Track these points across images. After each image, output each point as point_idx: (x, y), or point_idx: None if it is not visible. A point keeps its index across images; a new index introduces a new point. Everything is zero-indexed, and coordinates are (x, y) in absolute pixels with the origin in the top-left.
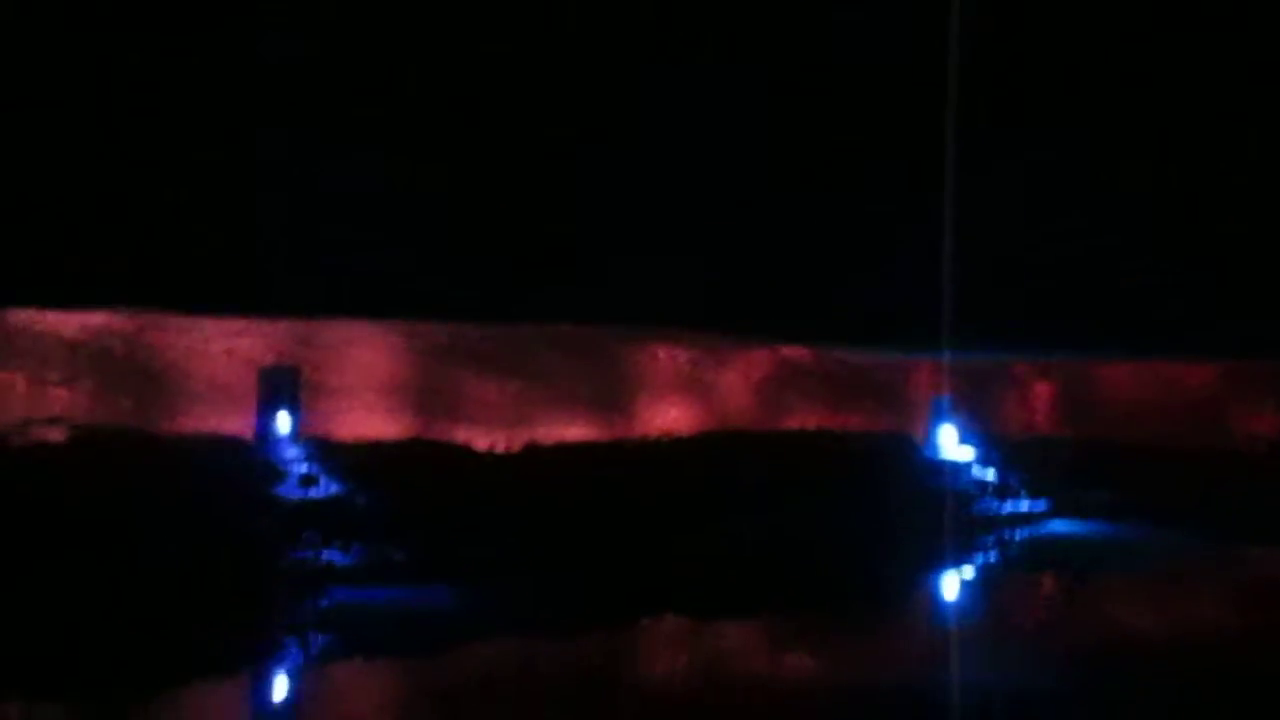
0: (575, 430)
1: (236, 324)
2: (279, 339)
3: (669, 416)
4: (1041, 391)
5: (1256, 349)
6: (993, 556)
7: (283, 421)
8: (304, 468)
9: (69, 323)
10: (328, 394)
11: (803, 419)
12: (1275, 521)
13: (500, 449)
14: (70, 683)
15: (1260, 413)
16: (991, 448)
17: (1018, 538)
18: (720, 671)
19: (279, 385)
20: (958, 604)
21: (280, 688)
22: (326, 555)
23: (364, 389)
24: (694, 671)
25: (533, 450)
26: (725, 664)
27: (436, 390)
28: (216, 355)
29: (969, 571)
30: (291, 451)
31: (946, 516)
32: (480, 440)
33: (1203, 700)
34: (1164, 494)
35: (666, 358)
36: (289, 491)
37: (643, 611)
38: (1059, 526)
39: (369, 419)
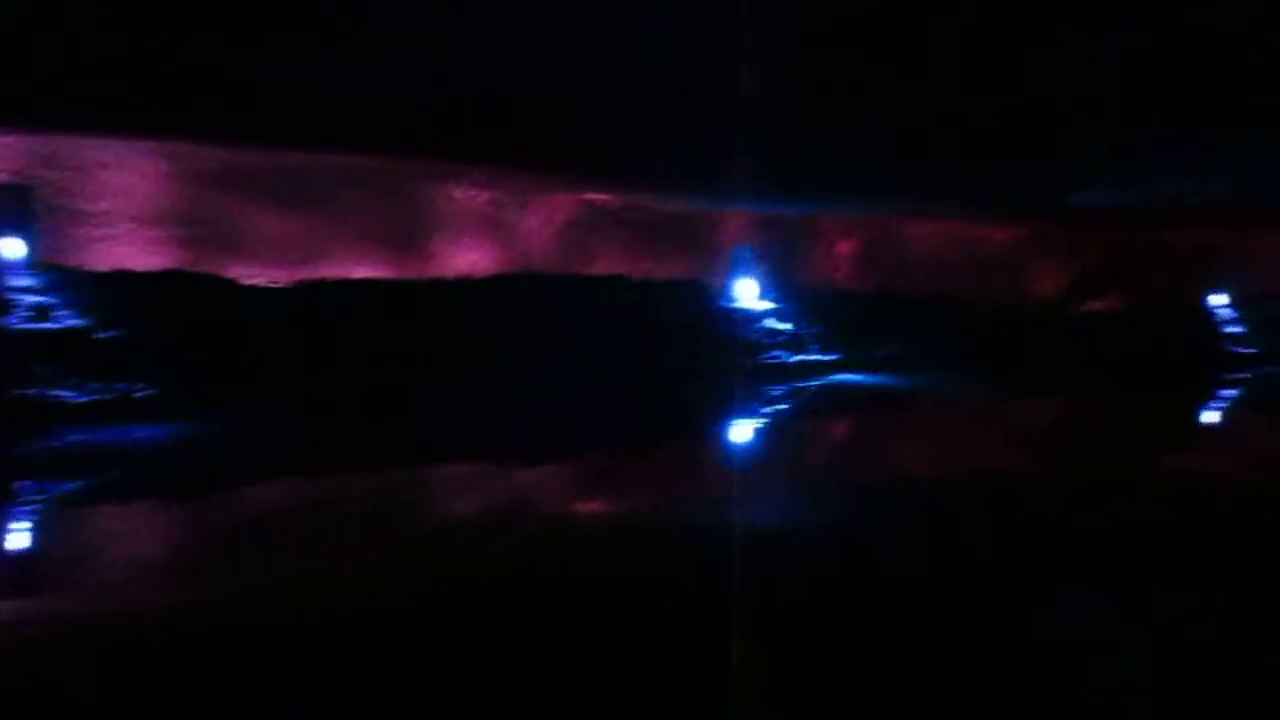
0: (365, 269)
1: None
2: (17, 158)
3: (467, 259)
4: (845, 247)
5: (1050, 213)
6: (781, 405)
7: (12, 246)
8: (38, 298)
9: None
10: (79, 220)
11: (607, 264)
12: (1055, 374)
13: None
14: None
15: (1050, 276)
16: (790, 300)
17: (807, 387)
18: (511, 511)
19: (7, 205)
20: (743, 447)
21: (18, 535)
22: (58, 393)
23: (122, 216)
24: (485, 510)
25: (310, 286)
26: (516, 504)
27: (207, 221)
28: None
29: (757, 419)
30: (23, 280)
31: (737, 365)
32: (258, 277)
33: (963, 532)
34: (955, 347)
35: (465, 198)
36: (16, 323)
37: (431, 452)
38: (850, 377)
39: (128, 249)
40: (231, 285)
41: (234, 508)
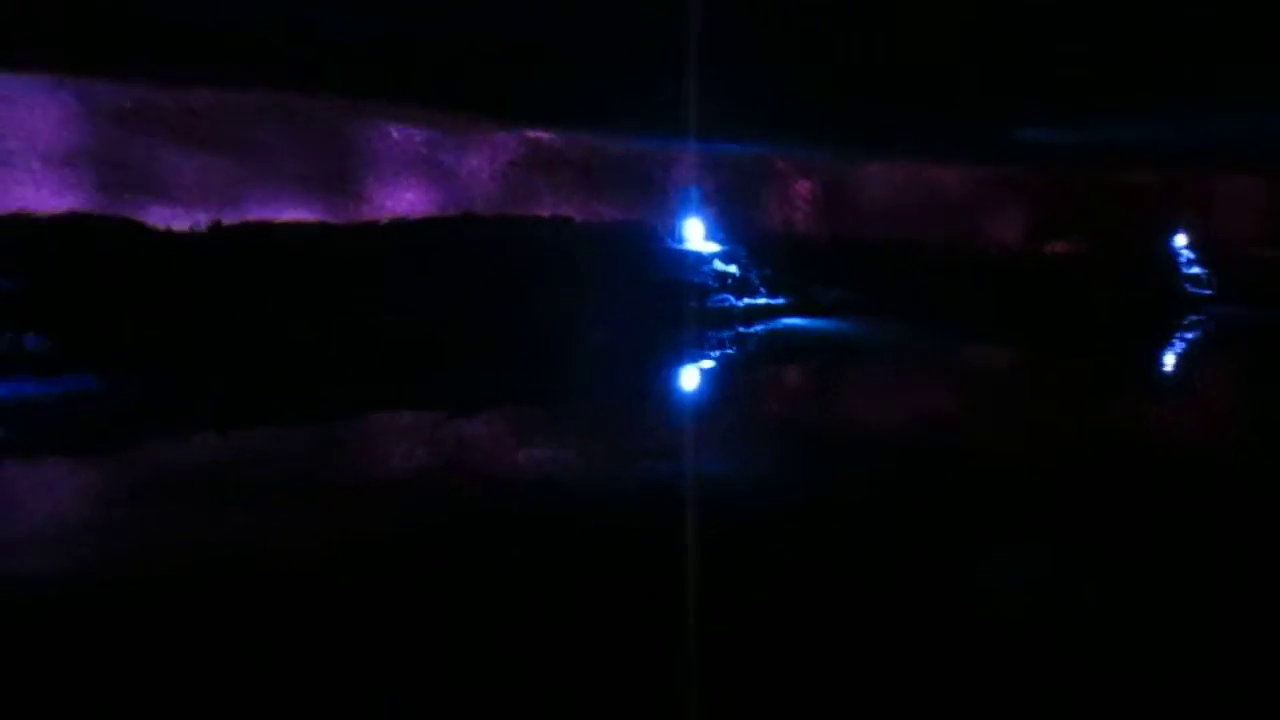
0: (294, 212)
1: None
2: None
3: (404, 200)
4: (801, 188)
5: (1005, 154)
6: (727, 349)
7: None
8: None
9: None
10: None
11: (552, 206)
12: (1008, 323)
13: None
14: None
15: (1008, 219)
16: (739, 242)
17: (754, 332)
18: (449, 463)
19: None
20: (687, 393)
21: None
22: None
23: (29, 156)
24: (421, 463)
25: (232, 229)
26: (459, 455)
27: (122, 163)
28: None
29: (700, 363)
30: None
31: (683, 308)
32: (179, 221)
33: (913, 484)
34: (908, 293)
35: (401, 137)
36: None
37: (362, 403)
38: (798, 322)
39: (34, 191)
40: (141, 228)
41: (136, 467)
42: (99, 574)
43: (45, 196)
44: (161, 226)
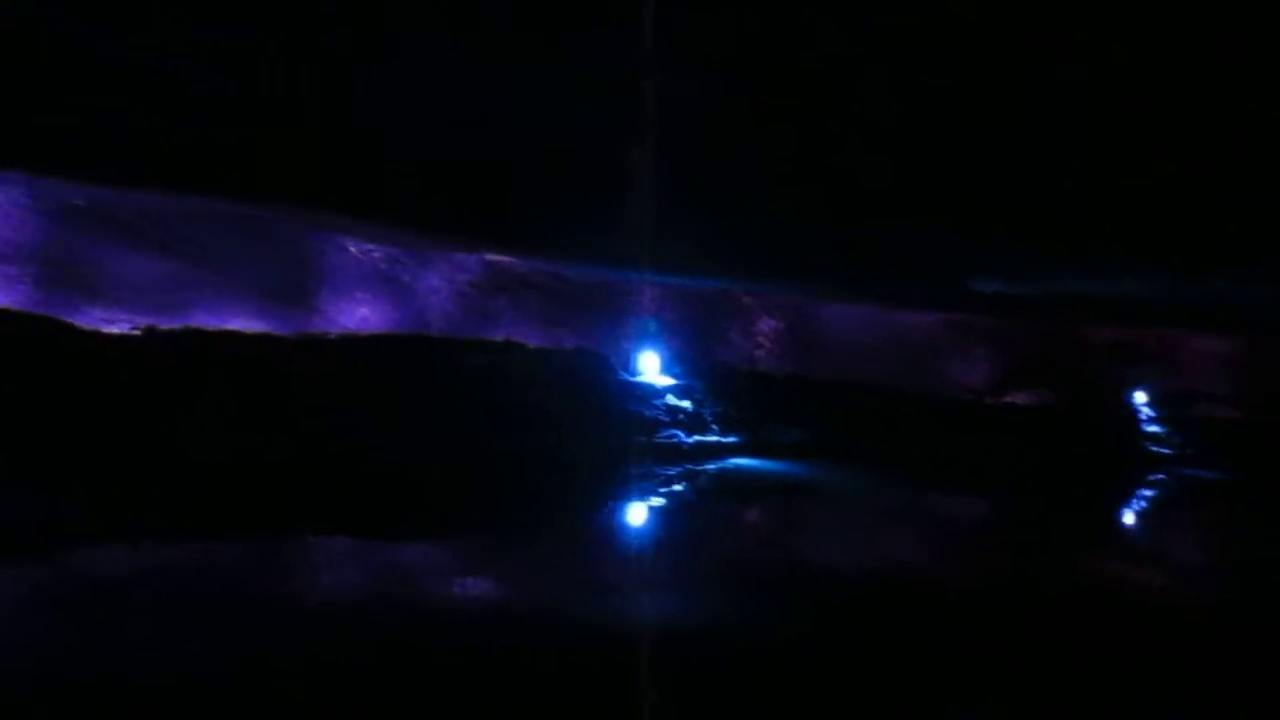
0: (243, 321)
1: None
2: None
3: (357, 315)
4: (765, 324)
5: (974, 303)
6: (672, 488)
7: None
8: None
9: None
10: None
11: (511, 329)
12: (971, 469)
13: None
14: None
15: (972, 365)
16: (696, 377)
17: (703, 470)
18: (380, 593)
19: None
20: (628, 530)
21: None
22: None
23: None
24: (351, 590)
25: (166, 334)
26: (385, 584)
27: (66, 261)
28: None
29: (644, 501)
30: None
31: (630, 443)
32: (119, 323)
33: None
34: (867, 435)
35: (359, 251)
36: None
37: (296, 524)
38: (751, 463)
39: None
40: (69, 329)
41: (51, 579)
42: None
43: None
44: (89, 328)
